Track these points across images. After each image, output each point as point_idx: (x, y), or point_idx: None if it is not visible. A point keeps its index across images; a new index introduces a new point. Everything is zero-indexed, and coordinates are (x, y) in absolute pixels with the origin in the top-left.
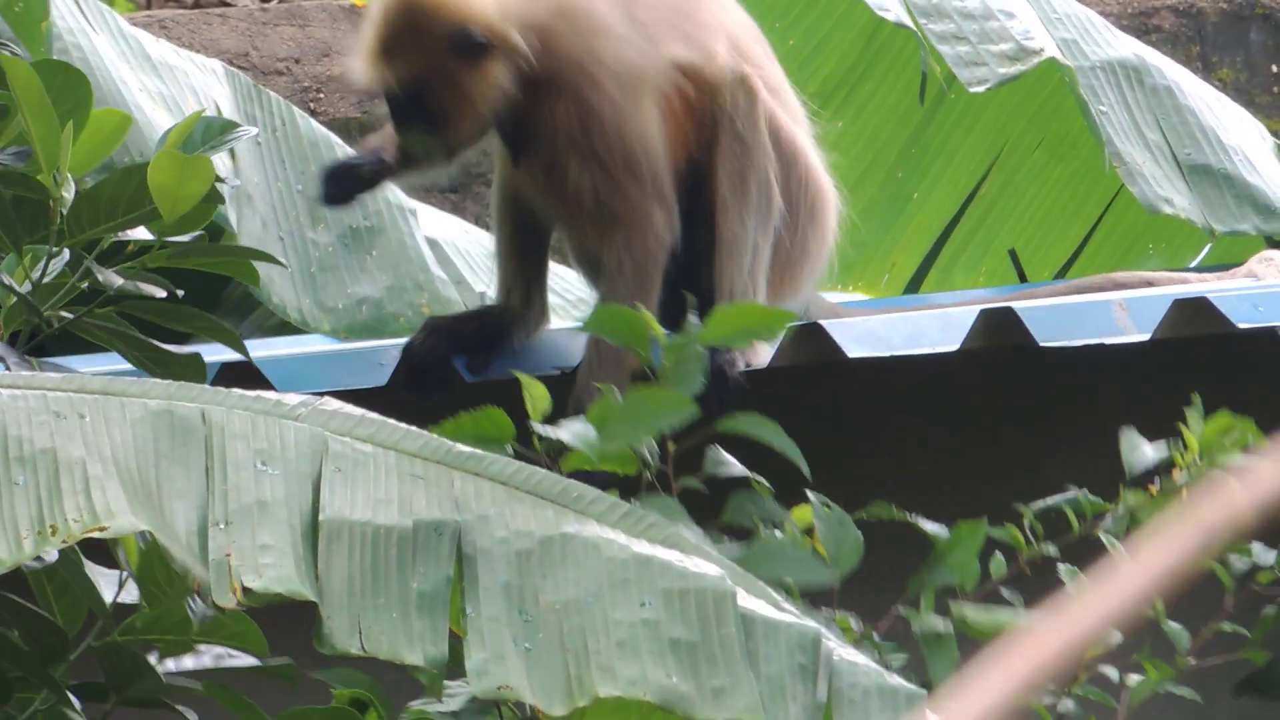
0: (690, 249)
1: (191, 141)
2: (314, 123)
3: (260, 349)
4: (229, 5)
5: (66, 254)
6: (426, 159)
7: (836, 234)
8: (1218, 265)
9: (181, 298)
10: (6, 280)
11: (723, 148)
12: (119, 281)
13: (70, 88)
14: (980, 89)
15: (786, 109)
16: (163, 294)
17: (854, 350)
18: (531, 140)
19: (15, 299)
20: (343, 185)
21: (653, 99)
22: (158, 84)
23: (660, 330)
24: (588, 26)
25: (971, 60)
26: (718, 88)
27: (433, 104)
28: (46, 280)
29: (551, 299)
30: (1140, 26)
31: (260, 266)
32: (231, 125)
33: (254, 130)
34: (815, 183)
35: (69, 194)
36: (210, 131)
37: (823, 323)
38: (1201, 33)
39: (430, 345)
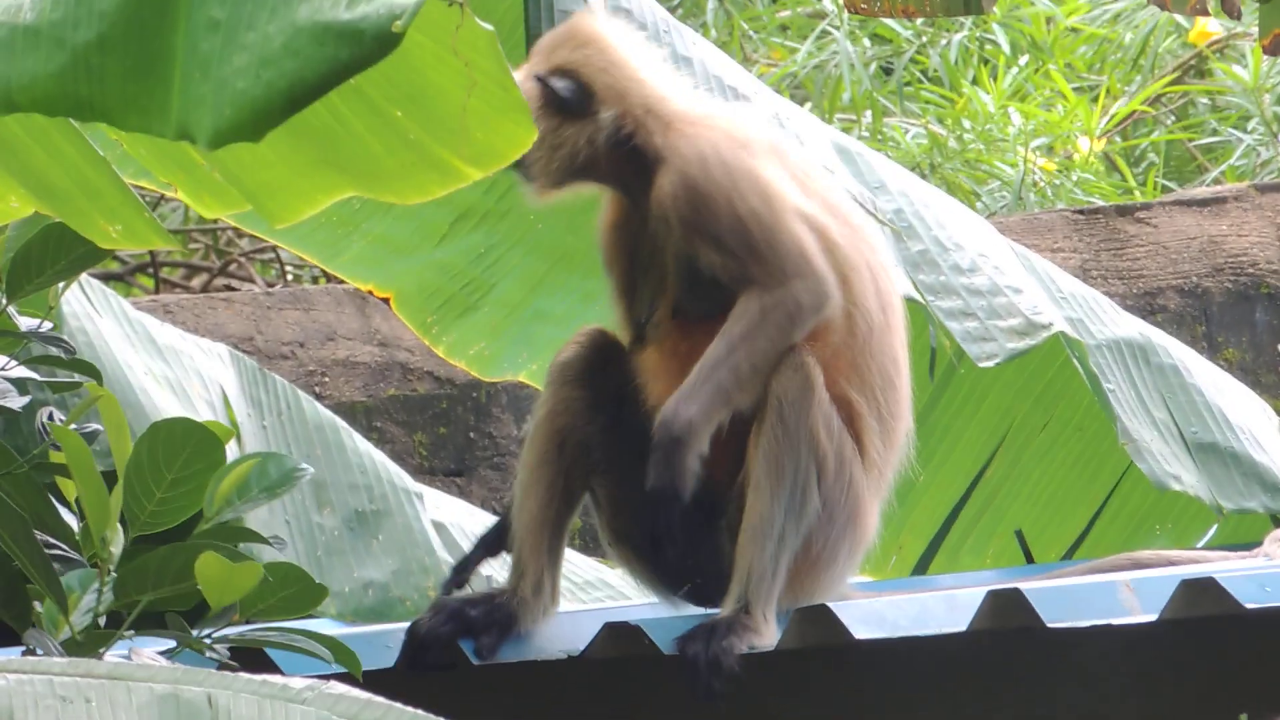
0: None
1: (247, 486)
2: (319, 406)
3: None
4: (234, 290)
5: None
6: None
7: (872, 540)
8: (1225, 545)
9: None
10: (49, 641)
11: (766, 427)
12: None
13: (204, 450)
14: (989, 364)
15: (863, 382)
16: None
17: (860, 632)
18: (642, 212)
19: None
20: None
21: (774, 186)
22: (163, 367)
23: None
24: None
25: (980, 336)
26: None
27: None
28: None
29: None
30: (1146, 307)
31: (264, 548)
32: (290, 465)
33: (311, 470)
34: (856, 493)
35: (116, 550)
36: (266, 475)
37: (829, 604)
38: (1207, 313)
39: (435, 625)
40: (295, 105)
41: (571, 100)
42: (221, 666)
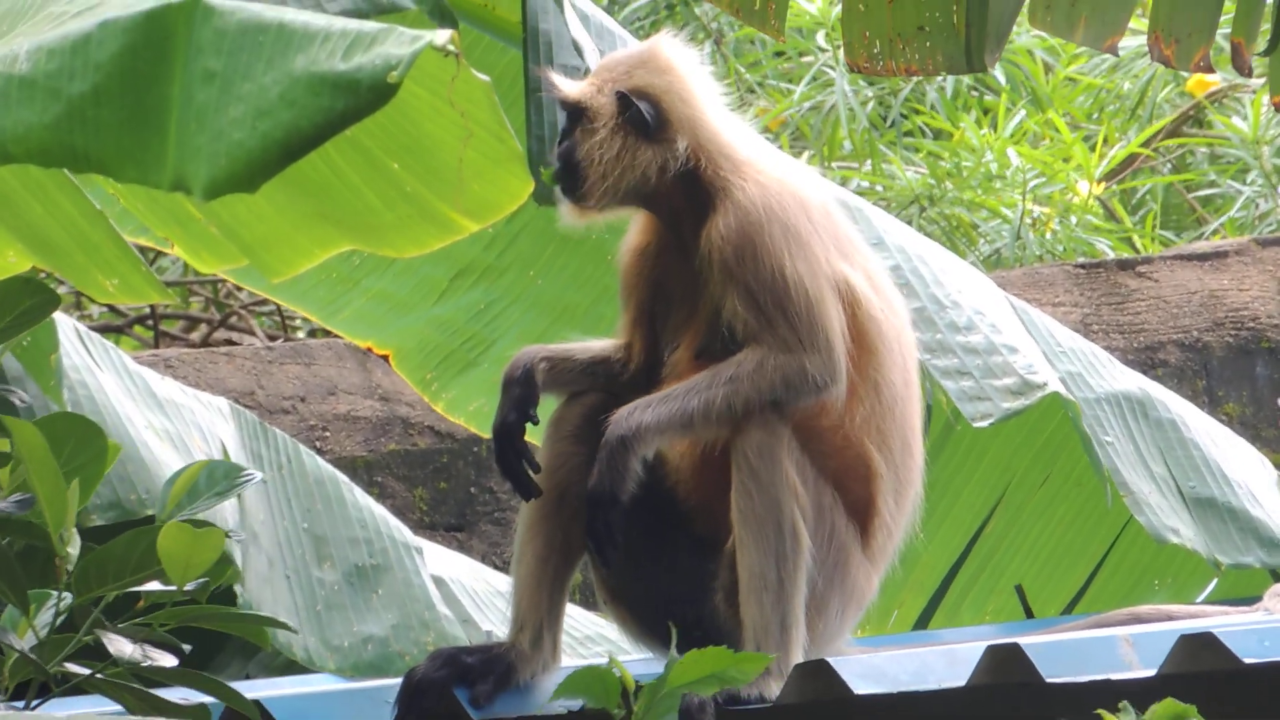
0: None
1: (197, 489)
2: (320, 460)
3: (266, 688)
4: (234, 343)
5: (70, 598)
6: (557, 191)
7: (869, 592)
8: (1224, 600)
9: (189, 652)
10: (9, 638)
11: (739, 485)
12: (129, 649)
13: (86, 441)
14: (984, 424)
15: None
16: (173, 661)
17: (860, 687)
18: (685, 249)
19: (16, 655)
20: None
21: (823, 259)
22: (163, 421)
23: (631, 679)
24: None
25: (975, 395)
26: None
27: (578, 135)
28: (52, 634)
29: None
30: (1147, 361)
31: (266, 604)
32: (237, 470)
33: (259, 475)
34: (840, 543)
35: (74, 550)
36: (214, 478)
37: (829, 659)
38: (1208, 367)
39: (431, 671)
40: (291, 156)
41: (650, 124)
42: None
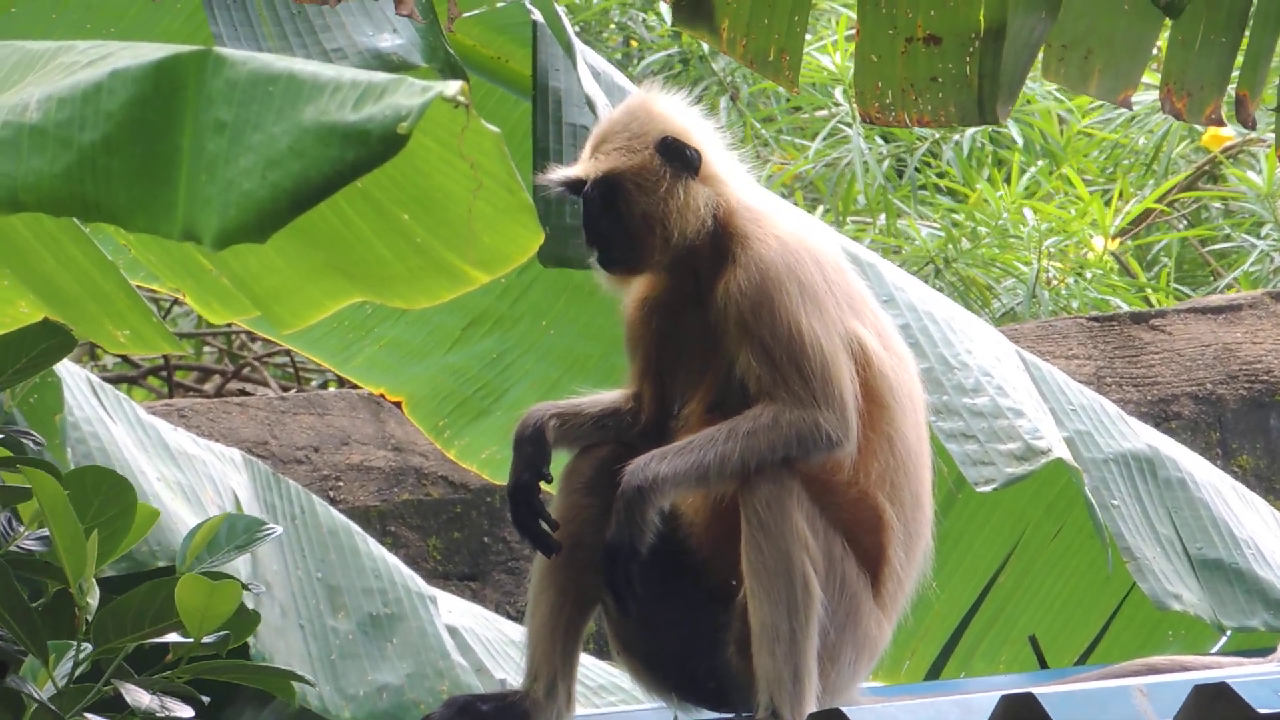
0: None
1: (217, 542)
2: (333, 511)
3: None
4: (248, 394)
5: (90, 648)
6: (604, 267)
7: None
8: (1239, 650)
9: (207, 703)
10: (28, 688)
11: (749, 538)
12: (146, 700)
13: (116, 495)
14: (987, 489)
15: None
16: (190, 712)
17: None
18: (700, 300)
19: (36, 705)
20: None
21: (836, 317)
22: (175, 473)
23: None
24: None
25: (980, 459)
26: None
27: (623, 204)
28: (71, 685)
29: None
30: (1160, 414)
31: (280, 654)
32: (257, 524)
33: (279, 529)
34: (851, 592)
35: (94, 600)
36: (234, 531)
37: (843, 709)
38: (1221, 420)
39: (446, 718)
40: (301, 206)
41: (695, 161)
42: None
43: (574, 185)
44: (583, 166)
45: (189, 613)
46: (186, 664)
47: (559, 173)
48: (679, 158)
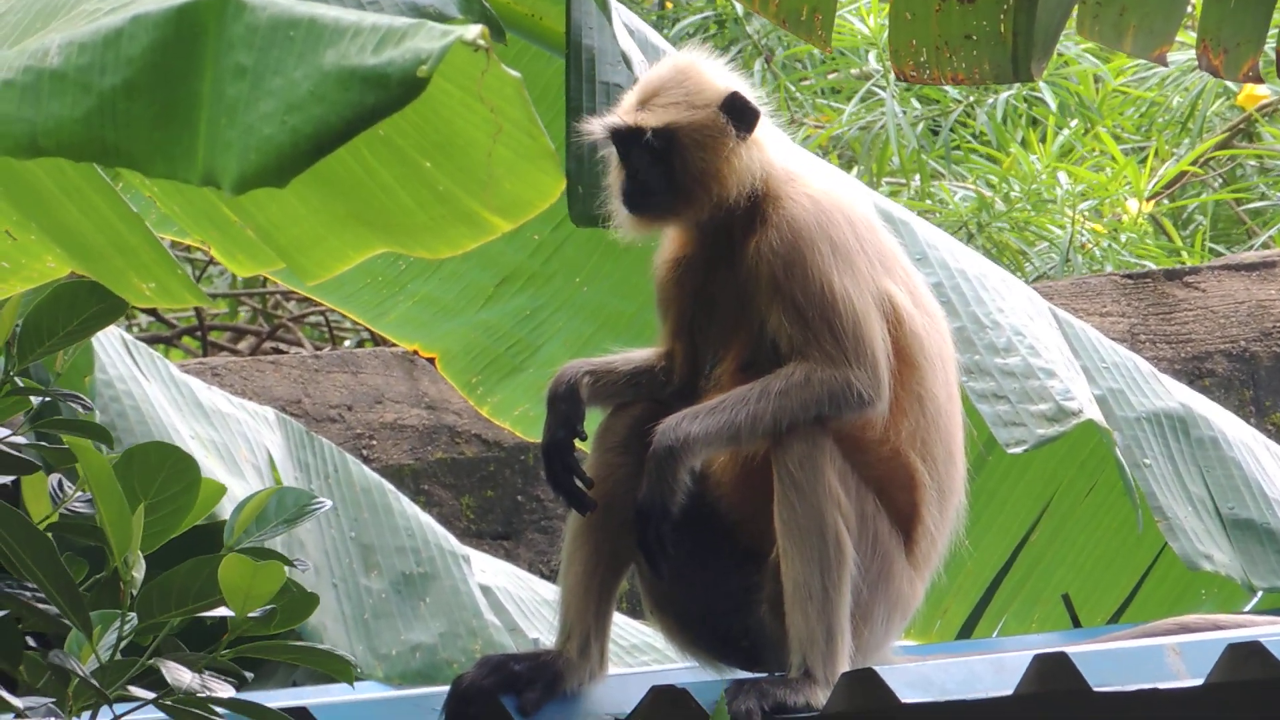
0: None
1: (265, 516)
2: (366, 469)
3: (314, 696)
4: (282, 353)
5: (135, 621)
6: (632, 210)
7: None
8: (1271, 609)
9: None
10: (71, 663)
11: (782, 497)
12: (187, 680)
13: (179, 472)
14: (1018, 450)
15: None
16: (231, 690)
17: (907, 696)
18: (732, 259)
19: (78, 679)
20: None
21: (868, 275)
22: (209, 431)
23: None
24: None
25: (1011, 420)
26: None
27: (678, 159)
28: (115, 659)
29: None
30: (1194, 371)
31: (313, 613)
32: (307, 497)
33: (328, 503)
34: (884, 551)
35: (139, 574)
36: (284, 505)
37: (876, 668)
38: (1255, 377)
39: (479, 678)
40: (321, 151)
41: (756, 122)
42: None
43: (628, 135)
44: (637, 116)
45: (233, 592)
46: (233, 645)
47: (609, 120)
48: (741, 117)
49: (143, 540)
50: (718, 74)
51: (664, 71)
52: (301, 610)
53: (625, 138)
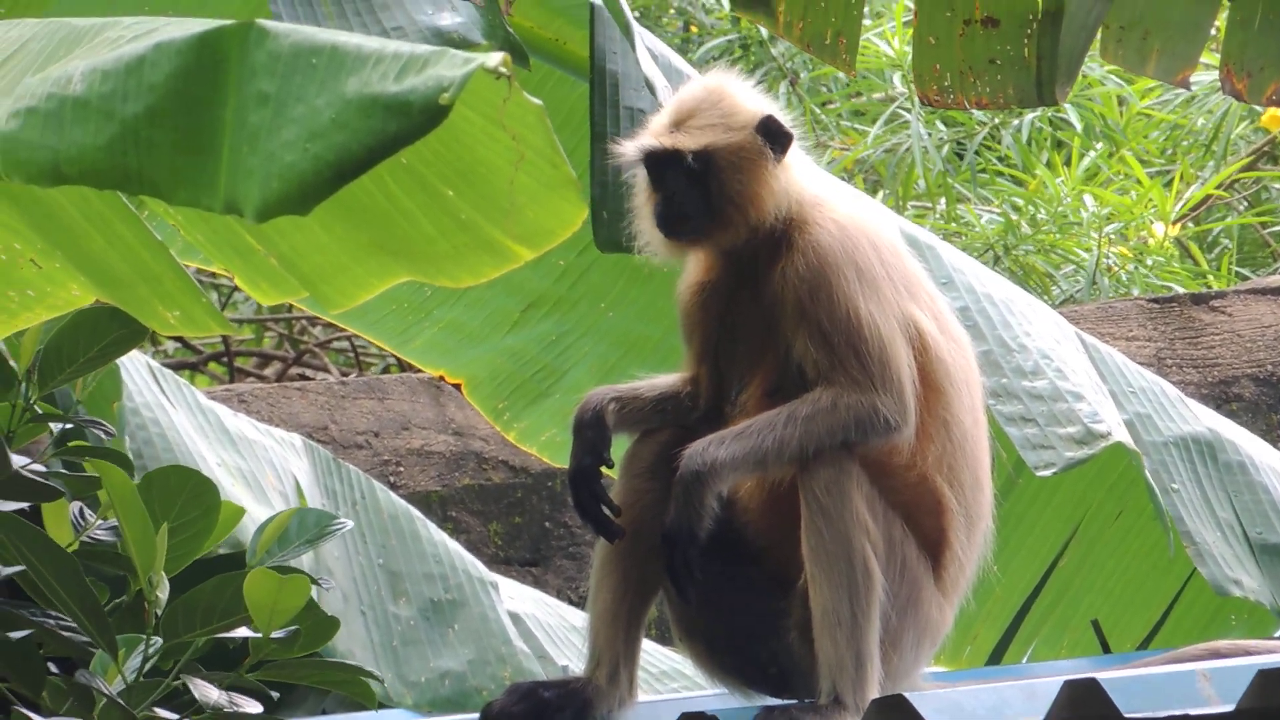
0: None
1: (286, 536)
2: (394, 496)
3: None
4: (308, 379)
5: (159, 643)
6: (669, 233)
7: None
8: None
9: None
10: (97, 683)
11: (809, 523)
12: (215, 696)
13: (198, 495)
14: (1047, 473)
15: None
16: (259, 707)
17: None
18: (757, 285)
19: (105, 699)
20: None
21: (894, 301)
22: (236, 458)
23: None
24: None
25: (1039, 443)
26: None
27: (715, 182)
28: (141, 679)
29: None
30: (1221, 395)
31: (342, 640)
32: (328, 518)
33: (349, 524)
34: (912, 576)
35: (163, 594)
36: (305, 525)
37: (906, 694)
38: None
39: (509, 705)
40: (343, 178)
41: (790, 144)
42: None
43: (664, 158)
44: (674, 138)
45: (258, 608)
46: (257, 667)
47: (644, 142)
48: (776, 139)
49: (165, 563)
50: (749, 96)
51: (696, 93)
52: (324, 633)
53: (661, 160)
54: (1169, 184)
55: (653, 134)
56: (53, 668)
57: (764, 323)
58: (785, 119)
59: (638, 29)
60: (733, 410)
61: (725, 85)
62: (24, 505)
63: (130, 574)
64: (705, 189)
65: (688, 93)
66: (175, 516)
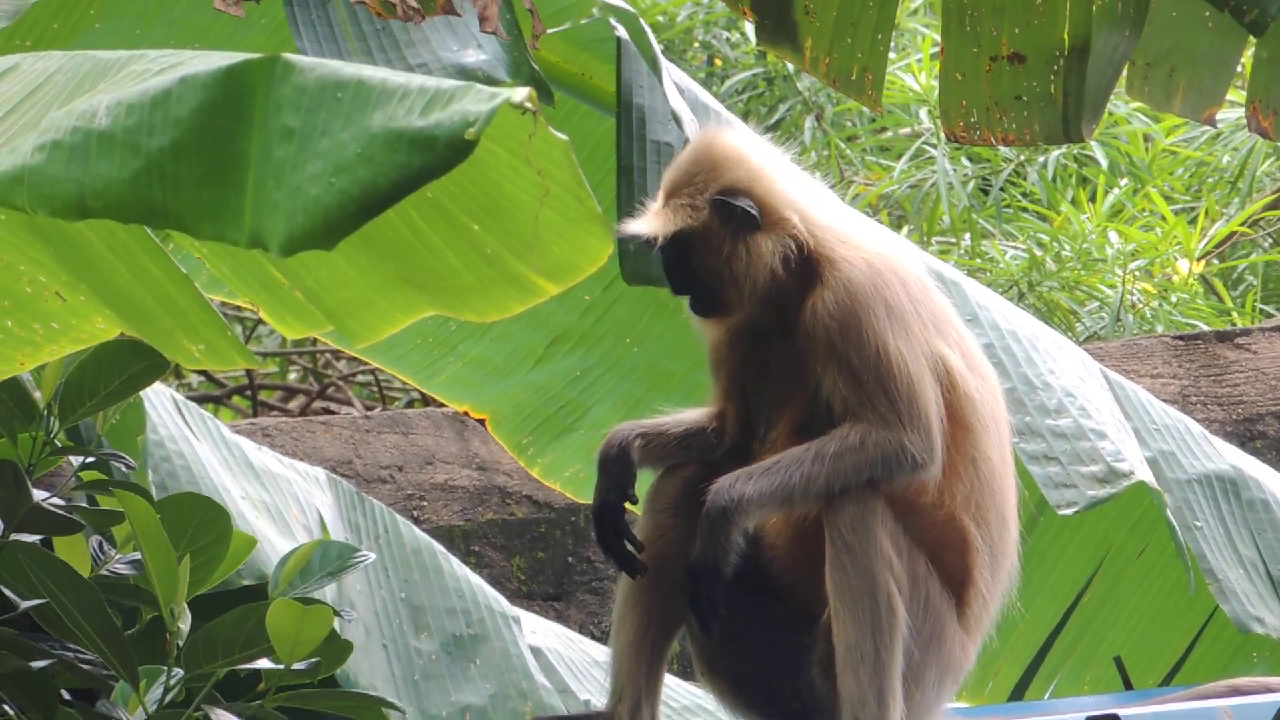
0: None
1: (309, 569)
2: (417, 530)
3: None
4: (332, 413)
5: (181, 674)
6: (696, 313)
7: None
8: None
9: None
10: (119, 714)
11: (833, 558)
12: None
13: (210, 522)
14: (1069, 511)
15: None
16: None
17: None
18: (786, 323)
19: None
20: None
21: (922, 338)
22: (260, 491)
23: None
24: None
25: (1062, 482)
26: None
27: (695, 262)
28: (162, 710)
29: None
30: (1245, 433)
31: (363, 674)
32: (350, 550)
33: (371, 556)
34: (936, 613)
35: (185, 625)
36: (328, 557)
37: None
38: None
39: None
40: (368, 213)
41: (757, 217)
42: None
43: (648, 243)
44: (653, 222)
45: (281, 638)
46: (277, 692)
47: (633, 226)
48: (731, 218)
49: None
50: (726, 161)
51: (685, 159)
52: (337, 658)
53: (649, 243)
54: (1194, 221)
55: (646, 212)
56: (65, 695)
57: (793, 359)
58: (765, 174)
59: (665, 63)
60: (761, 446)
61: (710, 149)
62: (34, 539)
63: (150, 605)
64: (691, 268)
65: (681, 158)
66: (188, 543)
